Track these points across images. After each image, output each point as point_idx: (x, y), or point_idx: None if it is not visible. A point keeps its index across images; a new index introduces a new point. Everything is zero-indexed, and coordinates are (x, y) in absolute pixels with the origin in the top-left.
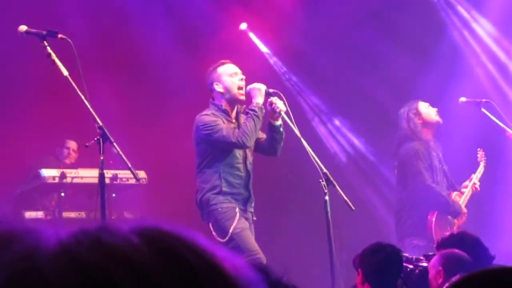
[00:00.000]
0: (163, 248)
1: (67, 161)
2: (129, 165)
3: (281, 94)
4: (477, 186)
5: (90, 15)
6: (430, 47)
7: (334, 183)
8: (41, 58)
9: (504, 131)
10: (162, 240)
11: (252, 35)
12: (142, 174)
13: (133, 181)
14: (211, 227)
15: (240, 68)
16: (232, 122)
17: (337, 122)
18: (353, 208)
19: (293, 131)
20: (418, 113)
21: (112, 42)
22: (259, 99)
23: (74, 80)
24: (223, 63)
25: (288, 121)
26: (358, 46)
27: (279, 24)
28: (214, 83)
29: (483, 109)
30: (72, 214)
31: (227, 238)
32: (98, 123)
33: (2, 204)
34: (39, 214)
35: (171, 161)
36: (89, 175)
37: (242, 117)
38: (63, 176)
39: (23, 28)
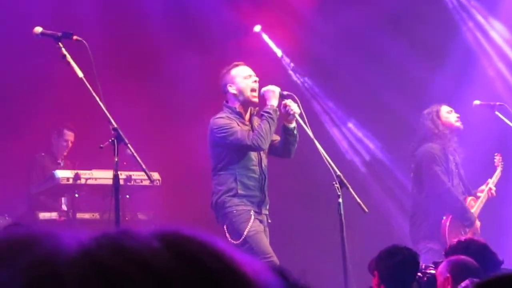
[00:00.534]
0: (183, 252)
1: (65, 153)
2: (143, 166)
3: (295, 97)
4: (493, 191)
5: (106, 17)
6: (445, 50)
7: (348, 185)
8: (57, 59)
9: None
10: (182, 244)
11: (266, 37)
12: (156, 175)
13: (147, 182)
14: (225, 229)
15: (254, 70)
16: (246, 125)
17: (351, 125)
18: (366, 210)
19: (307, 133)
20: (439, 116)
21: (126, 44)
22: (273, 101)
23: (89, 81)
24: (236, 65)
25: (302, 123)
26: (372, 49)
27: (293, 26)
28: (228, 85)
29: (497, 112)
30: (86, 215)
31: (241, 240)
32: (112, 125)
33: (17, 205)
34: (53, 215)
35: (185, 163)
36: (103, 176)
37: (256, 119)
38: (77, 177)
39: (38, 29)
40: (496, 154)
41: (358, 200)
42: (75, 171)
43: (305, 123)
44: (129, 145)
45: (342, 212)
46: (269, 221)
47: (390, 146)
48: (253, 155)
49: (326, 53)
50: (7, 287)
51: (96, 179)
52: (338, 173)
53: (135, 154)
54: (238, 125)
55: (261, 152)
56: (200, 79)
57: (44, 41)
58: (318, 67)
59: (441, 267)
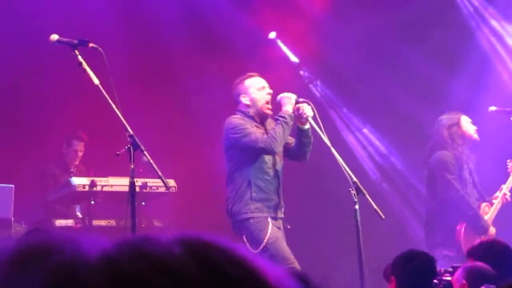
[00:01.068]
0: (205, 258)
1: (76, 162)
2: (160, 173)
3: (311, 103)
4: (507, 196)
5: (122, 25)
6: (460, 56)
7: (364, 192)
8: (72, 66)
9: None
10: (203, 250)
11: (281, 44)
12: (172, 182)
13: (163, 189)
14: (244, 240)
15: (269, 77)
16: (259, 128)
17: (366, 131)
18: (383, 217)
19: (323, 140)
20: (458, 125)
21: (143, 51)
22: (288, 107)
23: (105, 88)
24: (251, 76)
25: (318, 130)
26: (388, 55)
27: (309, 33)
28: (241, 96)
29: None
30: (102, 222)
31: (260, 248)
32: (128, 132)
33: (33, 212)
34: (69, 222)
35: (201, 170)
36: (119, 183)
37: (269, 122)
38: (93, 184)
39: (54, 37)
40: (509, 160)
41: (375, 206)
42: (91, 178)
43: (321, 129)
44: (145, 152)
45: (358, 218)
46: (289, 226)
47: (406, 152)
48: (267, 157)
49: (342, 59)
50: None
51: (112, 186)
52: (355, 179)
53: (151, 161)
54: (252, 127)
55: (275, 155)
56: (217, 86)
57: (61, 49)
58: (333, 73)
59: (457, 274)
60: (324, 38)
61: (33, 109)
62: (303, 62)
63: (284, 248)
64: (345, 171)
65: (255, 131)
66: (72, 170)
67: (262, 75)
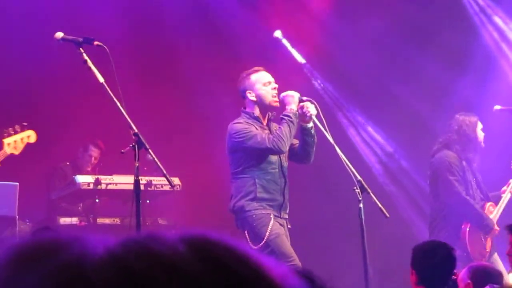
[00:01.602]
0: (210, 256)
1: (89, 168)
2: (164, 171)
3: (314, 102)
4: None
5: (126, 22)
6: (465, 55)
7: (369, 190)
8: (78, 64)
9: None
10: (209, 248)
11: (286, 43)
12: (176, 180)
13: (167, 187)
14: (246, 235)
15: (274, 75)
16: (264, 129)
17: (370, 129)
18: (387, 215)
19: (327, 138)
20: (473, 128)
21: (147, 49)
22: (293, 106)
23: (110, 86)
24: (256, 71)
25: (322, 128)
26: (393, 53)
27: (314, 32)
28: (247, 91)
29: None
30: (107, 220)
31: (262, 244)
32: (133, 130)
33: (37, 210)
34: (74, 220)
35: (206, 168)
36: (123, 181)
37: (273, 125)
38: (97, 182)
39: (59, 35)
40: None
41: (379, 205)
42: (96, 176)
43: (325, 128)
44: (150, 150)
45: (363, 217)
46: (289, 226)
47: (410, 150)
48: (273, 158)
49: (347, 58)
50: None
51: (116, 184)
52: (359, 178)
53: (155, 159)
54: (257, 129)
55: (281, 156)
56: (222, 84)
57: (66, 47)
58: (338, 72)
59: (462, 273)
60: (329, 36)
61: (37, 107)
62: (308, 60)
63: (286, 245)
64: (349, 170)
65: (260, 133)
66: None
67: (266, 69)
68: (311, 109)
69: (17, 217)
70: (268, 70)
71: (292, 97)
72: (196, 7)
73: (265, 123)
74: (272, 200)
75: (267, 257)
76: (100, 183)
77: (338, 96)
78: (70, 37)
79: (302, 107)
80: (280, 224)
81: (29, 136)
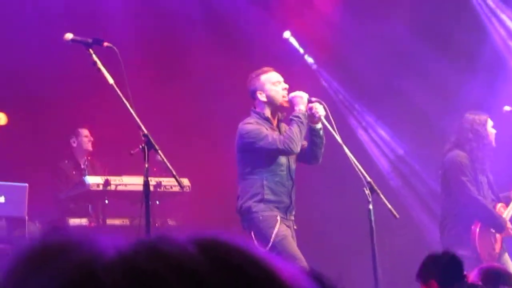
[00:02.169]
0: (220, 257)
1: (90, 148)
2: (174, 172)
3: (323, 103)
4: None
5: (136, 23)
6: (475, 56)
7: (378, 191)
8: (87, 65)
9: None
10: (219, 249)
11: (295, 43)
12: (186, 181)
13: (177, 188)
14: (253, 236)
15: (283, 76)
16: (274, 130)
17: (380, 130)
18: (397, 216)
19: (336, 139)
20: (484, 127)
21: (157, 50)
22: (301, 106)
23: (119, 87)
24: (266, 71)
25: (331, 129)
26: (403, 54)
27: (323, 31)
28: (258, 92)
29: None
30: (116, 221)
31: (269, 246)
32: (143, 131)
33: (46, 211)
34: (83, 221)
35: (215, 169)
36: (133, 182)
37: (283, 125)
38: (107, 183)
39: (69, 36)
40: None
41: (389, 206)
42: (105, 177)
43: (333, 129)
44: (159, 151)
45: (372, 218)
46: (295, 227)
47: (420, 151)
48: (282, 160)
49: (355, 57)
50: None
51: (126, 185)
52: (368, 179)
53: (165, 160)
54: (267, 129)
55: (290, 158)
56: (230, 84)
57: (75, 48)
58: (347, 72)
59: (473, 275)
60: (338, 36)
61: (47, 108)
62: (317, 60)
63: (293, 246)
64: (358, 171)
65: (271, 133)
66: (83, 167)
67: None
68: (319, 110)
69: (26, 218)
70: (277, 70)
71: (301, 97)
72: (206, 7)
73: (275, 123)
74: (279, 202)
75: (278, 258)
76: (109, 184)
77: (348, 96)
78: (80, 38)
79: (311, 108)
80: (287, 226)
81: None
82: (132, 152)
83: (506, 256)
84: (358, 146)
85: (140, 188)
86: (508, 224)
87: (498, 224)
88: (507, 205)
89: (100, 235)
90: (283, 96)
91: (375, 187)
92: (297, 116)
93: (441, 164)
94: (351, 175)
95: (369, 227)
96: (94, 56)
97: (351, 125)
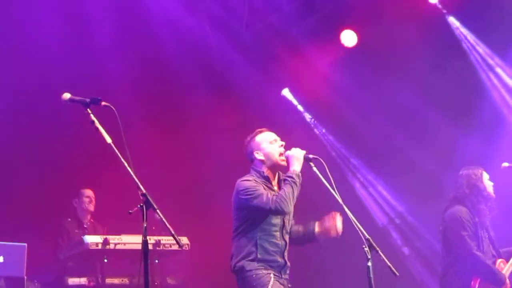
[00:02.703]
0: None
1: (91, 208)
2: (172, 231)
3: (321, 160)
4: None
5: (135, 78)
6: (472, 111)
7: (377, 248)
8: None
9: None
10: None
11: (291, 97)
12: (185, 240)
13: (176, 247)
14: None
15: (281, 132)
16: (273, 190)
17: (378, 186)
18: (397, 274)
19: (334, 197)
20: (480, 181)
21: (155, 109)
22: (296, 167)
23: (117, 145)
24: (260, 132)
25: (329, 187)
26: (400, 110)
27: (322, 90)
28: (255, 152)
29: None
30: (116, 280)
31: None
32: (141, 191)
33: (46, 271)
34: (82, 280)
35: (214, 227)
36: (132, 241)
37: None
38: (106, 242)
39: (66, 96)
40: None
41: (389, 263)
42: (104, 236)
43: (332, 186)
44: (157, 210)
45: (371, 275)
46: (290, 286)
47: (419, 206)
48: (275, 220)
49: (355, 116)
50: None
51: (125, 244)
52: (367, 236)
53: (163, 219)
54: (264, 189)
55: (284, 218)
56: (230, 143)
57: (73, 107)
58: (346, 129)
59: None
60: (337, 95)
61: (44, 166)
62: (316, 118)
63: None
64: (357, 228)
65: (266, 193)
66: (85, 226)
67: (274, 128)
68: (338, 225)
69: (25, 277)
70: (275, 126)
71: (297, 157)
72: (206, 66)
73: (275, 182)
74: (273, 262)
75: None
76: (108, 243)
77: (346, 153)
78: (78, 98)
79: (327, 222)
80: (281, 284)
81: None
82: (130, 211)
83: None
84: (357, 203)
85: (139, 247)
86: (508, 281)
87: (497, 280)
88: (507, 260)
89: None
90: (280, 154)
91: (374, 244)
92: (291, 176)
93: (441, 221)
94: (350, 232)
95: (369, 285)
96: (92, 115)
97: (350, 181)
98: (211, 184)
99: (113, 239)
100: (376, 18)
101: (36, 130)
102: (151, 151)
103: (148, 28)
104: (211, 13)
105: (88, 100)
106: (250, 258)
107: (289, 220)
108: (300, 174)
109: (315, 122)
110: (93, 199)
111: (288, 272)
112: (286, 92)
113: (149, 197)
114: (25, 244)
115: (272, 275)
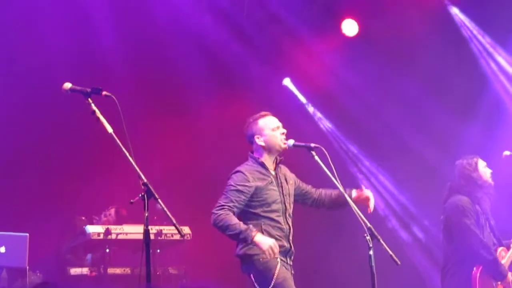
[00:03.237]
0: None
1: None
2: (174, 221)
3: (323, 149)
4: None
5: (136, 69)
6: (474, 101)
7: (379, 237)
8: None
9: None
10: None
11: (293, 87)
12: (186, 229)
13: (177, 236)
14: (252, 278)
15: (283, 121)
16: (267, 176)
17: (380, 175)
18: (398, 262)
19: (337, 186)
20: (475, 169)
21: (158, 94)
22: (262, 246)
23: (118, 135)
24: (263, 115)
25: (331, 176)
26: (401, 99)
27: (324, 79)
28: (256, 136)
29: None
30: (117, 270)
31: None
32: (142, 180)
33: (48, 261)
34: (84, 270)
35: None
36: (133, 231)
37: (282, 168)
38: (107, 232)
39: (67, 85)
40: None
41: (390, 252)
42: (106, 226)
43: (334, 175)
44: (159, 200)
45: (373, 264)
46: (293, 272)
47: (420, 196)
48: (276, 206)
49: (354, 104)
50: None
51: (126, 234)
52: (369, 225)
53: (165, 208)
54: (255, 180)
55: (286, 203)
56: (231, 131)
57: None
58: (347, 119)
59: None
60: (339, 84)
61: (46, 156)
62: (318, 108)
63: None
64: (359, 217)
65: (235, 195)
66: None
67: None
68: (371, 202)
69: (27, 268)
70: (277, 115)
71: (264, 244)
72: (207, 55)
73: (273, 167)
74: (279, 247)
75: None
76: (110, 233)
77: (348, 143)
78: (78, 88)
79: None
80: (286, 269)
81: None
82: (132, 201)
83: None
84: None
85: (141, 236)
86: (509, 277)
87: (499, 272)
88: (508, 249)
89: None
90: (282, 141)
91: (376, 233)
92: (247, 236)
93: (442, 210)
94: (352, 221)
95: (370, 274)
96: (93, 105)
97: (351, 171)
98: (212, 173)
99: (115, 229)
100: (377, 7)
101: (38, 120)
102: (153, 140)
103: (149, 17)
104: (212, 2)
105: (89, 89)
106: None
107: (291, 204)
108: (253, 242)
109: (317, 112)
110: (110, 218)
111: (292, 258)
112: (287, 82)
113: (150, 187)
114: (27, 234)
115: (279, 259)
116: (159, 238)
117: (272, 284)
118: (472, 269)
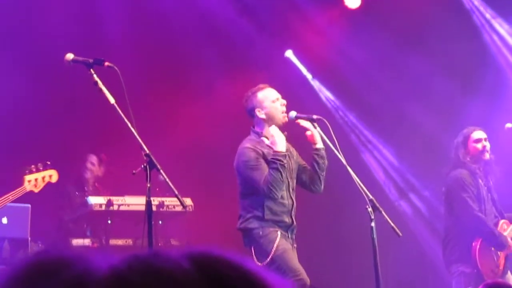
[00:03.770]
0: (213, 272)
1: (91, 175)
2: (176, 192)
3: (325, 121)
4: None
5: (137, 43)
6: (476, 73)
7: (381, 209)
8: (88, 85)
9: None
10: (212, 265)
11: (296, 60)
12: (188, 201)
13: (179, 208)
14: (252, 250)
15: (284, 93)
16: (269, 149)
17: (382, 148)
18: (400, 234)
19: (338, 158)
20: (464, 144)
21: (159, 68)
22: (280, 146)
23: (120, 107)
24: (262, 88)
25: (333, 148)
26: (403, 72)
27: (325, 51)
28: (256, 110)
29: None
30: (119, 242)
31: (268, 260)
32: (144, 151)
33: (50, 232)
34: (86, 241)
35: (217, 188)
36: (135, 202)
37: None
38: (110, 203)
39: (69, 56)
40: None
41: (392, 224)
42: (108, 198)
43: (336, 148)
44: (161, 171)
45: (375, 236)
46: (295, 245)
47: (422, 170)
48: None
49: (358, 77)
50: None
51: (129, 205)
52: (371, 197)
53: (167, 180)
54: (264, 154)
55: (289, 177)
56: (233, 104)
57: (76, 68)
58: (349, 91)
59: None
60: (341, 56)
61: (48, 128)
62: (320, 79)
63: (293, 260)
64: (361, 189)
65: (263, 170)
66: (86, 189)
67: (277, 89)
68: (316, 138)
69: (29, 239)
70: (279, 88)
71: (279, 136)
72: (208, 25)
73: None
74: (280, 222)
75: (273, 274)
76: (112, 205)
77: (350, 115)
78: (80, 59)
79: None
80: (287, 240)
81: (51, 175)
82: (134, 172)
83: (509, 274)
84: (361, 164)
85: (143, 208)
86: (510, 242)
87: (498, 242)
88: (510, 222)
89: (96, 253)
90: (282, 112)
91: (378, 205)
92: (278, 159)
93: (444, 182)
94: (354, 193)
95: (372, 245)
96: (95, 76)
97: (353, 143)
98: (214, 145)
99: (117, 200)
100: None
101: (39, 92)
102: (155, 112)
103: None
104: None
105: (91, 60)
106: (257, 218)
107: (293, 179)
108: (285, 154)
109: (319, 84)
110: (95, 165)
111: (295, 232)
112: (289, 54)
113: (152, 158)
114: (29, 205)
115: (279, 233)
116: (161, 209)
117: (271, 255)
118: (472, 240)
